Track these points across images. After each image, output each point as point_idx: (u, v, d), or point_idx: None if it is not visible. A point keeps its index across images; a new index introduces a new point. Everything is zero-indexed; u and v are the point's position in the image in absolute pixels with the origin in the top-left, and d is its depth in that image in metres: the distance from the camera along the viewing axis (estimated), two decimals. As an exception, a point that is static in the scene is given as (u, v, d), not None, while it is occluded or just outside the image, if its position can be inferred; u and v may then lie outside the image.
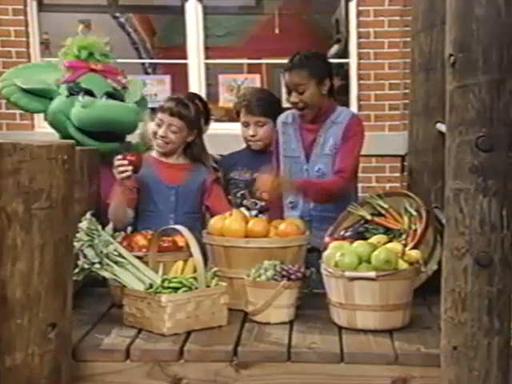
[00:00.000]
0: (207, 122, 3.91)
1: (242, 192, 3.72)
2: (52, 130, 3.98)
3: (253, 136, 3.73)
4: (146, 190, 3.51)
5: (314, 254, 3.22)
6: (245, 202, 3.70)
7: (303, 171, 3.52)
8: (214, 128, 5.35)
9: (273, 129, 3.70)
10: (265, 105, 3.75)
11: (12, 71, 4.00)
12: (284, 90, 3.54)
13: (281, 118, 3.63)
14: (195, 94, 4.12)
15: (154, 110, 3.68)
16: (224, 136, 4.37)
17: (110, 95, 3.81)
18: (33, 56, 6.03)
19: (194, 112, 3.54)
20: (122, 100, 3.85)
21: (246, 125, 3.75)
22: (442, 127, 3.45)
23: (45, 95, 3.87)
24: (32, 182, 2.34)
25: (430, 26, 3.73)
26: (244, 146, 3.89)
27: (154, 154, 3.58)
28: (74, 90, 3.79)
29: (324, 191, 3.41)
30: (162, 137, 3.49)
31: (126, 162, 3.32)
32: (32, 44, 6.04)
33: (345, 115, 3.50)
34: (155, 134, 3.52)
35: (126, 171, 3.32)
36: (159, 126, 3.50)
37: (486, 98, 2.16)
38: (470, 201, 2.19)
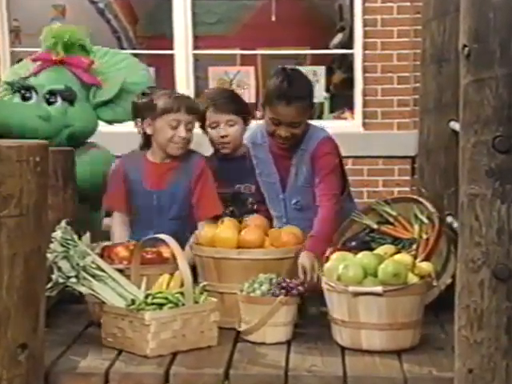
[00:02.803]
0: None
1: (231, 209, 3.74)
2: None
3: (224, 137, 3.71)
4: (131, 192, 3.56)
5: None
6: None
7: (280, 200, 3.52)
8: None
9: (243, 129, 3.74)
10: (234, 102, 3.78)
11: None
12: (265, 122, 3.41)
13: (249, 139, 3.62)
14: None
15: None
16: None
17: (55, 93, 3.78)
18: (1, 46, 6.02)
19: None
20: (72, 99, 3.82)
21: (214, 126, 3.73)
22: (455, 125, 3.46)
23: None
24: (0, 187, 2.34)
25: (442, 14, 3.74)
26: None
27: (148, 154, 3.57)
28: (16, 87, 3.78)
29: (333, 230, 3.31)
30: (183, 138, 3.50)
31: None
32: (0, 32, 6.03)
33: (313, 141, 3.41)
34: (172, 137, 3.46)
35: None
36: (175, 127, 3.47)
37: (503, 94, 2.17)
38: (487, 207, 2.20)
